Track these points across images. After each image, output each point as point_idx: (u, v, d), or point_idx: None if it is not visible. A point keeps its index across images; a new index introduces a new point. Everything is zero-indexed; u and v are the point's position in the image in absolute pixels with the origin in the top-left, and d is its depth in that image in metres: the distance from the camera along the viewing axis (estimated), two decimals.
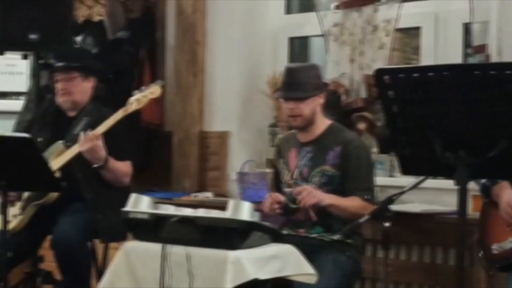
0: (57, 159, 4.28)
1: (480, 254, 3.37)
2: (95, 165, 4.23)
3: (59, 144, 4.35)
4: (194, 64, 5.57)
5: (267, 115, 5.52)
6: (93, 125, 4.27)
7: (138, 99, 4.25)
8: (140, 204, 3.57)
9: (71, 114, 4.51)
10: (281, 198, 3.95)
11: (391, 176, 4.86)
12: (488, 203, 3.36)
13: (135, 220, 3.53)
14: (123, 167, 4.39)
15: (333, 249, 3.88)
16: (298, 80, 3.94)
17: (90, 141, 4.16)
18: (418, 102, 2.61)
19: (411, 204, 4.42)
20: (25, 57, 5.40)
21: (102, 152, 4.20)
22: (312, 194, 3.80)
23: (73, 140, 4.30)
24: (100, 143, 4.18)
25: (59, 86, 4.49)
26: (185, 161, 5.58)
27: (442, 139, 2.58)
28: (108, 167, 4.27)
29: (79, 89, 4.49)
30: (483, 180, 3.31)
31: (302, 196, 3.79)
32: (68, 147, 4.30)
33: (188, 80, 5.58)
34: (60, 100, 4.50)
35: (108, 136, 4.23)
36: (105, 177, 4.33)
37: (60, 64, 4.54)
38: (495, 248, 3.25)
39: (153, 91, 4.27)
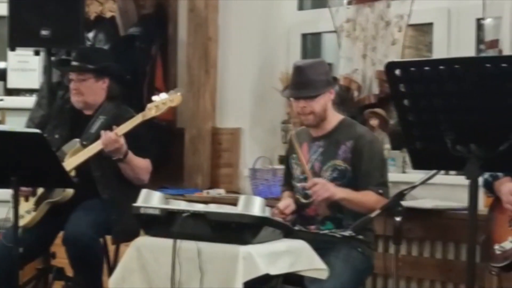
0: (74, 157, 4.28)
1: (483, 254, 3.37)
2: (114, 158, 4.23)
3: (76, 142, 4.35)
4: (206, 60, 5.57)
5: (280, 112, 5.51)
6: (110, 124, 4.26)
7: (157, 106, 4.20)
8: (151, 200, 3.57)
9: (88, 112, 4.51)
10: (290, 208, 3.94)
11: (403, 172, 4.84)
12: (496, 201, 3.35)
13: (146, 216, 3.54)
14: (143, 164, 4.39)
15: (344, 245, 3.86)
16: (307, 78, 3.93)
17: (115, 142, 4.16)
18: (429, 96, 2.59)
19: (423, 200, 4.41)
20: (37, 53, 5.41)
21: (124, 147, 4.21)
22: (326, 187, 3.79)
23: (90, 139, 4.29)
24: (122, 140, 4.18)
25: (72, 85, 4.50)
26: (197, 158, 5.58)
27: (453, 133, 2.57)
28: (128, 160, 4.27)
29: (91, 90, 4.48)
30: (486, 176, 3.29)
31: (316, 189, 3.78)
32: (84, 146, 4.30)
33: (200, 76, 5.58)
34: (72, 99, 4.50)
35: (127, 136, 4.22)
36: (125, 173, 4.32)
37: (75, 63, 4.54)
38: (497, 248, 3.24)
39: (173, 99, 4.21)
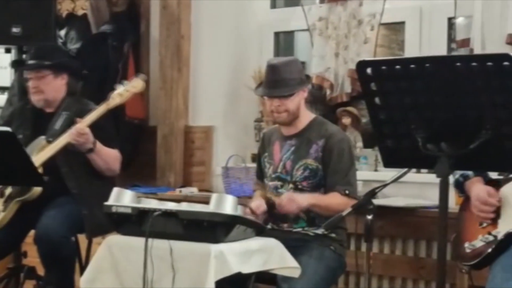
0: (40, 154, 4.26)
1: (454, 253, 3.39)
2: (84, 151, 4.21)
3: (41, 139, 4.33)
4: (178, 58, 5.55)
5: (253, 110, 5.51)
6: (73, 119, 4.26)
7: (120, 94, 4.24)
8: (122, 198, 3.56)
9: (49, 110, 4.49)
10: (262, 208, 3.94)
11: (375, 170, 4.86)
12: (466, 200, 3.37)
13: (117, 214, 3.52)
14: (113, 153, 4.38)
15: (316, 243, 3.87)
16: (281, 77, 3.93)
17: (82, 134, 4.15)
18: (400, 94, 2.60)
19: (395, 198, 4.43)
20: (8, 51, 5.37)
21: (91, 137, 4.20)
22: (292, 202, 3.80)
23: (54, 136, 4.28)
24: (88, 130, 4.17)
25: (30, 84, 4.46)
26: (170, 156, 5.57)
27: (424, 131, 2.59)
28: (98, 150, 4.25)
29: (50, 87, 4.45)
30: (457, 176, 3.31)
31: (284, 205, 3.80)
32: (50, 142, 4.28)
33: (172, 74, 5.57)
34: (33, 98, 4.47)
35: (91, 127, 4.21)
36: (96, 165, 4.31)
37: (31, 62, 4.50)
38: (467, 246, 3.26)
39: (135, 85, 4.25)
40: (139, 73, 5.29)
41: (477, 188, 3.21)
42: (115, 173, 4.40)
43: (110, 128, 4.44)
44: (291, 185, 3.97)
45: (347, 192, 3.85)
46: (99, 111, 4.22)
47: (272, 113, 4.01)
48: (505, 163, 2.62)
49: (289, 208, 3.80)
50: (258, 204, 3.96)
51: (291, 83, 3.94)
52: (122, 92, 4.23)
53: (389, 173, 3.76)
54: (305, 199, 3.83)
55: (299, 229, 3.94)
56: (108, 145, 4.34)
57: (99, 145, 4.25)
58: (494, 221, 3.20)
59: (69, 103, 4.45)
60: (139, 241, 3.36)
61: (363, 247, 3.70)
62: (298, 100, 3.97)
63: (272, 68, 3.98)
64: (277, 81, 3.93)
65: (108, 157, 4.34)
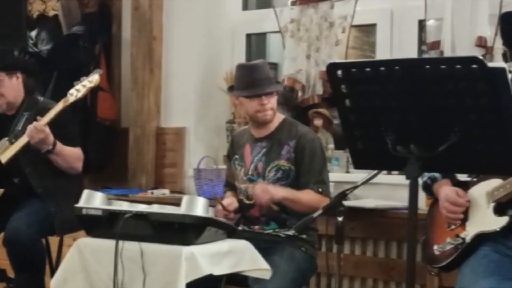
0: (3, 154, 4.26)
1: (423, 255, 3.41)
2: (44, 151, 4.20)
3: (4, 141, 4.33)
4: (150, 59, 5.54)
5: (225, 111, 5.51)
6: (34, 118, 4.25)
7: (77, 89, 4.22)
8: (93, 200, 3.55)
9: (10, 112, 4.48)
10: (233, 206, 3.94)
11: (347, 172, 4.88)
12: (435, 202, 3.39)
13: (88, 217, 3.51)
14: (74, 152, 4.36)
15: (288, 244, 3.88)
16: (264, 75, 3.95)
17: (40, 132, 4.13)
18: (370, 97, 2.60)
19: (366, 200, 4.45)
20: None
21: (50, 138, 4.18)
22: (265, 191, 3.81)
23: (17, 136, 4.28)
24: (47, 129, 4.15)
25: None
26: (142, 158, 5.56)
27: (394, 133, 2.59)
28: (57, 151, 4.24)
29: (9, 89, 4.44)
30: (425, 178, 3.33)
31: (257, 194, 3.80)
32: (12, 143, 4.28)
33: (144, 75, 5.55)
34: None
35: (53, 126, 4.19)
36: (57, 165, 4.29)
37: None
38: (436, 249, 3.28)
39: (91, 80, 4.24)
40: (112, 75, 5.32)
41: (446, 190, 3.23)
42: (77, 171, 4.38)
43: (71, 126, 4.44)
44: None
45: (320, 190, 3.86)
46: (57, 108, 4.20)
47: (257, 113, 3.98)
48: (473, 165, 2.63)
49: (262, 197, 3.80)
50: (229, 201, 3.96)
51: (273, 82, 4.01)
52: (79, 87, 4.22)
53: (361, 175, 3.78)
54: (278, 191, 3.84)
55: (270, 231, 3.95)
56: (69, 144, 4.32)
57: (59, 146, 4.23)
58: (462, 223, 3.22)
59: (30, 103, 4.44)
60: (109, 243, 3.35)
61: (334, 248, 3.73)
62: (276, 99, 4.00)
63: (253, 68, 3.99)
64: (261, 79, 3.94)
65: (69, 156, 4.33)
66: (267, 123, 4.00)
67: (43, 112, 4.26)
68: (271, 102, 3.96)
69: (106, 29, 5.76)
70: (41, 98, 4.51)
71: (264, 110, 3.95)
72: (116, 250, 3.32)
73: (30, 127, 4.15)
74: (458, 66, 2.40)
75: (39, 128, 4.13)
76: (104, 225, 3.45)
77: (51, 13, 5.83)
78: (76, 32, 5.69)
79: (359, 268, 4.51)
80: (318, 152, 3.95)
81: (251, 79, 3.96)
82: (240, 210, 4.00)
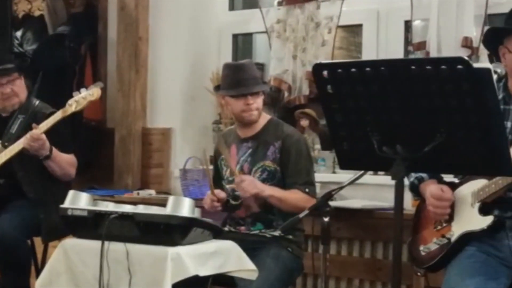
0: None
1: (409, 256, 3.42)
2: (41, 157, 4.19)
3: None
4: (136, 60, 5.53)
5: (211, 112, 5.51)
6: (29, 123, 4.24)
7: (77, 101, 4.21)
8: (78, 201, 3.54)
9: (4, 114, 4.47)
10: (222, 195, 3.93)
11: (333, 172, 4.88)
12: (422, 203, 3.40)
13: (73, 217, 3.50)
14: (69, 159, 4.37)
15: (274, 245, 3.88)
16: (250, 75, 3.94)
17: (37, 140, 4.12)
18: (356, 97, 2.60)
19: (352, 200, 4.46)
20: None
21: (47, 144, 4.17)
22: (253, 184, 3.80)
23: (11, 139, 4.27)
24: (44, 137, 4.14)
25: (2, 90, 4.41)
26: (128, 158, 5.54)
27: (380, 134, 2.59)
28: (54, 157, 4.23)
29: (21, 89, 4.47)
30: (412, 179, 3.34)
31: (244, 185, 3.79)
32: (6, 146, 4.27)
33: (130, 76, 5.54)
34: (7, 103, 4.43)
35: (49, 133, 4.19)
36: (52, 171, 4.29)
37: (2, 67, 4.46)
38: (423, 249, 3.29)
39: (92, 93, 4.22)
40: (97, 76, 5.30)
41: (430, 187, 3.24)
42: (70, 177, 4.39)
43: (66, 133, 4.43)
44: None
45: (307, 190, 3.86)
46: (55, 118, 4.20)
47: (242, 113, 3.98)
48: (458, 166, 2.64)
49: (248, 190, 3.79)
50: (218, 191, 3.95)
51: (259, 81, 4.00)
52: (79, 99, 4.20)
53: (347, 175, 3.78)
54: (266, 188, 3.83)
55: (257, 232, 3.94)
56: (64, 150, 4.32)
57: (55, 152, 4.24)
58: (448, 224, 3.23)
59: (25, 106, 4.42)
60: (95, 244, 3.35)
61: (321, 249, 3.72)
62: (262, 99, 3.99)
63: (239, 67, 3.99)
64: (248, 79, 3.94)
65: (64, 162, 4.33)
66: (252, 123, 3.99)
67: (38, 116, 4.26)
68: (257, 102, 3.95)
69: (92, 29, 5.75)
70: (36, 101, 4.49)
71: (250, 110, 3.94)
72: (102, 251, 3.31)
73: (26, 137, 4.15)
74: (443, 67, 2.40)
75: (35, 137, 4.13)
76: (90, 226, 3.44)
77: (37, 13, 5.81)
78: (62, 32, 5.67)
79: (345, 269, 4.51)
80: (304, 152, 3.95)
81: (237, 78, 3.95)
82: (226, 210, 3.99)
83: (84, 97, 4.21)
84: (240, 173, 3.90)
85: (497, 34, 3.19)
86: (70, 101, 4.21)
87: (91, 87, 4.28)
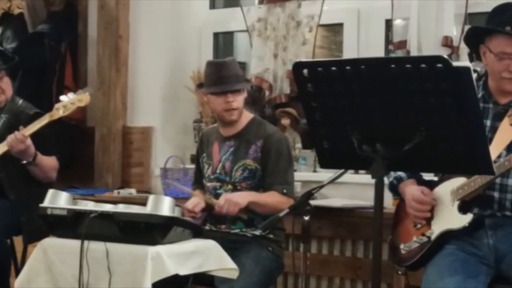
0: None
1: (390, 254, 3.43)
2: (24, 161, 4.16)
3: None
4: (117, 58, 5.51)
5: (192, 111, 5.49)
6: (12, 122, 4.22)
7: (65, 106, 4.16)
8: (58, 200, 3.52)
9: None
10: (198, 208, 3.91)
11: (314, 171, 4.88)
12: (401, 202, 3.41)
13: (52, 217, 3.48)
14: (51, 162, 4.34)
15: (254, 244, 3.87)
16: (231, 73, 3.93)
17: (21, 143, 4.09)
18: (337, 96, 2.60)
19: (333, 199, 4.46)
20: None
21: (32, 149, 4.14)
22: (233, 202, 3.78)
23: None
24: (29, 141, 4.11)
25: None
26: (108, 157, 5.52)
27: (360, 133, 2.59)
28: (37, 162, 4.20)
29: (9, 86, 4.45)
30: (391, 178, 3.35)
31: (227, 211, 3.78)
32: None
33: (110, 74, 5.52)
34: None
35: (34, 136, 4.16)
36: (33, 173, 4.26)
37: None
38: (403, 248, 3.30)
39: (81, 98, 4.18)
40: (78, 75, 5.27)
41: (411, 189, 3.25)
42: (51, 180, 4.36)
43: (51, 136, 4.38)
44: (230, 186, 3.96)
45: (285, 191, 3.86)
46: (41, 122, 4.15)
47: (222, 111, 3.96)
48: (438, 164, 2.64)
49: (228, 210, 3.79)
50: (195, 202, 3.93)
51: (241, 80, 3.99)
52: (67, 104, 4.15)
53: (328, 174, 3.76)
54: (243, 198, 3.82)
55: (237, 231, 3.94)
56: (47, 153, 4.29)
57: (39, 157, 4.20)
58: (427, 222, 3.24)
59: (10, 106, 4.38)
60: (74, 244, 3.33)
61: (301, 248, 3.72)
62: (243, 98, 3.98)
63: (220, 65, 3.97)
64: (229, 76, 3.93)
65: (47, 167, 4.30)
66: (232, 122, 3.99)
67: (21, 116, 4.22)
68: (237, 100, 3.94)
69: (72, 27, 5.72)
70: (19, 101, 4.45)
71: (230, 108, 3.93)
72: (81, 250, 3.29)
73: (11, 137, 4.11)
74: (423, 66, 2.40)
75: (19, 138, 4.08)
76: (69, 225, 3.42)
77: (16, 11, 5.78)
78: (41, 30, 5.64)
79: (326, 267, 4.52)
80: (284, 152, 3.94)
81: (218, 76, 3.95)
82: (207, 209, 3.98)
83: (72, 102, 4.16)
84: (214, 201, 3.88)
85: (478, 33, 3.21)
86: (57, 105, 4.16)
87: (79, 92, 4.24)
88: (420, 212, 3.22)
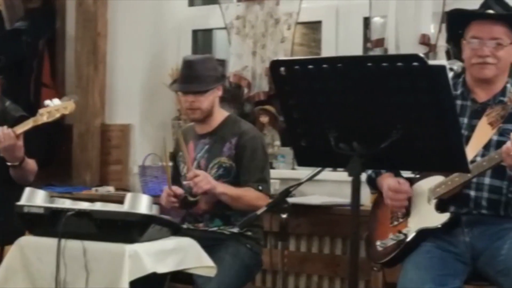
0: None
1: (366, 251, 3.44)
2: (10, 164, 4.12)
3: None
4: (95, 55, 5.49)
5: (170, 108, 5.48)
6: None
7: (49, 112, 4.09)
8: (34, 198, 3.50)
9: None
10: (179, 191, 3.92)
11: (293, 169, 4.88)
12: (378, 198, 3.42)
13: (29, 215, 3.46)
14: (33, 166, 4.29)
15: (233, 241, 3.87)
16: (196, 73, 3.92)
17: (12, 138, 4.05)
18: (313, 94, 2.61)
19: (312, 196, 4.47)
20: None
21: (21, 152, 4.10)
22: (207, 180, 3.77)
23: None
24: (20, 143, 4.07)
25: None
26: (86, 155, 5.51)
27: (337, 130, 2.60)
28: (23, 166, 4.17)
29: None
30: (369, 171, 3.36)
31: (197, 181, 3.76)
32: None
33: (89, 72, 5.50)
34: None
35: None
36: (14, 175, 4.22)
37: None
38: (379, 245, 3.31)
39: (66, 106, 4.11)
40: (56, 74, 5.24)
41: (388, 180, 3.26)
42: (29, 183, 4.30)
43: (33, 139, 4.34)
44: None
45: (260, 188, 3.86)
46: (25, 126, 4.09)
47: (186, 110, 3.99)
48: (415, 162, 2.65)
49: (201, 183, 3.75)
50: (175, 187, 3.93)
51: (206, 80, 3.94)
52: (52, 110, 4.09)
53: (307, 172, 3.76)
54: (219, 186, 3.81)
55: (215, 229, 3.94)
56: (30, 155, 4.25)
57: (25, 161, 4.16)
58: (404, 219, 3.25)
59: None
60: (51, 242, 3.31)
61: (280, 245, 3.73)
62: (212, 97, 3.96)
63: (188, 64, 3.97)
64: (192, 77, 3.92)
65: (29, 171, 4.26)
66: (195, 121, 3.99)
67: (7, 117, 4.18)
68: (199, 101, 3.92)
69: (50, 24, 5.70)
70: (7, 101, 4.40)
71: (191, 108, 3.93)
72: (58, 249, 3.27)
73: (3, 131, 4.04)
74: (399, 64, 2.41)
75: (5, 132, 4.03)
76: (46, 223, 3.40)
77: None
78: (19, 27, 5.61)
79: (304, 265, 4.53)
80: (259, 150, 3.94)
81: (185, 75, 3.97)
82: (183, 207, 3.98)
83: (57, 109, 4.11)
84: (191, 169, 3.87)
85: (458, 22, 3.20)
86: (41, 111, 4.10)
87: (64, 99, 4.18)
88: (397, 201, 3.22)
